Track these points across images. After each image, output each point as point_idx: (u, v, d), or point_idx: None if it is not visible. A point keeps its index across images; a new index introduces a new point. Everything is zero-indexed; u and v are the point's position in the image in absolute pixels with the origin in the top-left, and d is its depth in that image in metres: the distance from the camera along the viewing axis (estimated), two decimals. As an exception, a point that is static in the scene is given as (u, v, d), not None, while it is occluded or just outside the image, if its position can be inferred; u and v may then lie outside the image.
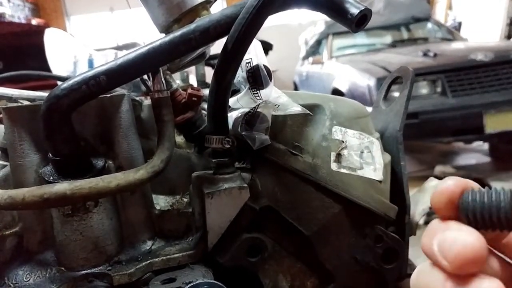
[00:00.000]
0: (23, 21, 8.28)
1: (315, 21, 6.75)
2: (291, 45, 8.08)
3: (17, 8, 8.59)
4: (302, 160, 0.61)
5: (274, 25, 8.44)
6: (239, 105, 0.62)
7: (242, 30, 0.50)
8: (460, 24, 8.26)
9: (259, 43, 0.61)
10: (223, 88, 0.55)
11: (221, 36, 0.54)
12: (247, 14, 0.50)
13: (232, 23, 0.52)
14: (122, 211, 0.61)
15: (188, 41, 0.52)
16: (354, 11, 0.51)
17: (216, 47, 0.63)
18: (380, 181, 0.65)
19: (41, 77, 1.40)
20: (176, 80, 0.74)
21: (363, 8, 0.51)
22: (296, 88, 7.46)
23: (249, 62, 0.59)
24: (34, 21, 8.11)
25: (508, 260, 0.33)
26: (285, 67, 8.03)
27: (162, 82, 0.59)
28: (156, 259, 0.58)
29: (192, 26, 0.53)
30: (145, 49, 0.52)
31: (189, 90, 0.69)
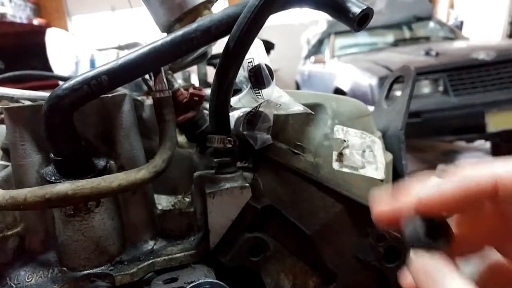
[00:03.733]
0: (24, 21, 8.29)
1: (317, 20, 6.75)
2: (293, 44, 8.08)
3: (18, 8, 8.60)
4: (304, 159, 0.60)
5: (276, 24, 8.44)
6: (240, 104, 0.62)
7: (243, 29, 0.50)
8: (462, 23, 8.25)
9: (261, 42, 0.60)
10: (224, 87, 0.55)
11: (223, 36, 0.54)
12: (249, 13, 0.50)
13: (234, 23, 0.52)
14: (124, 211, 0.61)
15: (189, 40, 0.52)
16: (356, 10, 0.51)
17: (219, 47, 0.63)
18: (382, 180, 0.64)
19: (43, 77, 1.40)
20: (178, 79, 0.74)
21: (365, 7, 0.51)
22: (298, 88, 7.45)
23: (251, 62, 0.59)
24: (36, 21, 8.12)
25: None
26: (287, 66, 8.02)
27: (164, 82, 0.58)
28: (158, 259, 0.58)
29: (193, 25, 0.53)
30: (147, 49, 0.52)
31: (191, 90, 0.69)
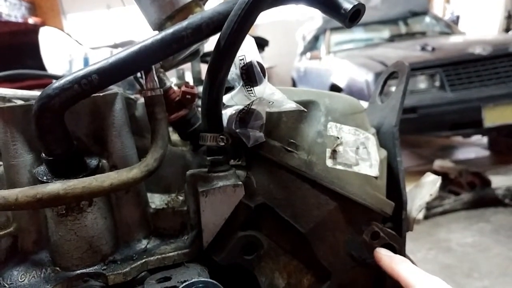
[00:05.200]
0: (19, 20, 8.25)
1: (313, 16, 6.74)
2: (289, 41, 8.07)
3: (13, 7, 8.57)
4: (297, 157, 0.60)
5: (272, 21, 8.44)
6: (233, 102, 0.62)
7: (234, 27, 0.50)
8: (458, 17, 8.27)
9: (252, 39, 0.60)
10: (216, 85, 0.54)
11: (214, 33, 0.54)
12: (239, 10, 0.49)
13: (225, 20, 0.51)
14: (116, 210, 0.61)
15: (180, 38, 0.52)
16: (347, 6, 0.50)
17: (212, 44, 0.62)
18: (376, 177, 0.64)
19: (36, 76, 1.39)
20: (173, 77, 0.74)
21: (356, 3, 0.50)
22: (294, 84, 7.45)
23: (243, 59, 0.58)
24: (31, 20, 8.09)
25: None
26: (283, 63, 8.02)
27: (155, 80, 0.58)
28: (151, 258, 0.58)
29: (184, 23, 0.52)
30: (137, 47, 0.51)
31: (183, 88, 0.69)
